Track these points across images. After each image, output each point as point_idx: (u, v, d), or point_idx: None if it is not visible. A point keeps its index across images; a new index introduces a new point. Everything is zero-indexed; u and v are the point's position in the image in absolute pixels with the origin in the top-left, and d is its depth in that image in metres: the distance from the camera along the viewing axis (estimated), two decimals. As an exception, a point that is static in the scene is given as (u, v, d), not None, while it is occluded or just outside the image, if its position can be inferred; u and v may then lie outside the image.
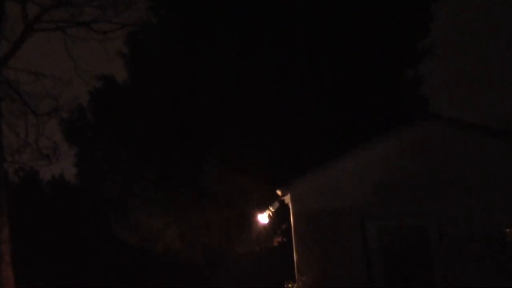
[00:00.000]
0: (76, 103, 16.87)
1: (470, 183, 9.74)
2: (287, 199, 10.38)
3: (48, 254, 21.17)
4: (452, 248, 9.59)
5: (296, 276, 9.71)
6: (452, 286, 9.42)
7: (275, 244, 15.06)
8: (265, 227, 13.13)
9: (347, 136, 14.04)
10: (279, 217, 12.57)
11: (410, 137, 10.11)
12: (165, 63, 16.89)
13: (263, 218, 11.99)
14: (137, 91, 17.30)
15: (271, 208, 11.37)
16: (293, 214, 10.09)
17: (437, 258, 9.61)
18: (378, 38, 16.02)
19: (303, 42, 15.78)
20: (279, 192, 10.37)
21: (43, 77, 13.59)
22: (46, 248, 21.30)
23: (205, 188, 15.67)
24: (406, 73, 17.12)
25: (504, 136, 9.97)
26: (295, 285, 9.55)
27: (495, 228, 9.43)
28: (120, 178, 16.90)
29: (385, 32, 16.04)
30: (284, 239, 14.05)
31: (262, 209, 12.03)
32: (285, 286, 9.63)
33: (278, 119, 15.00)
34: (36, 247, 20.65)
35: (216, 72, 15.92)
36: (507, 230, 9.21)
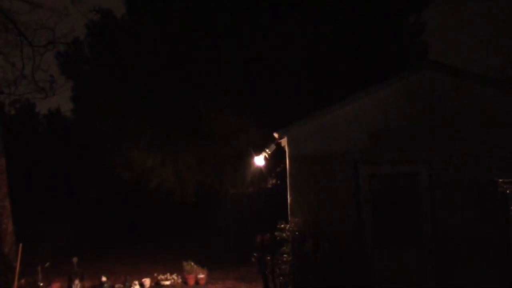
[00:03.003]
0: (73, 36, 16.60)
1: (464, 132, 9.81)
2: (284, 142, 10.38)
3: (42, 187, 21.40)
4: (441, 196, 9.74)
5: (289, 217, 9.88)
6: (439, 233, 9.64)
7: (269, 186, 15.21)
8: (260, 168, 13.20)
9: (346, 81, 13.99)
10: (274, 160, 12.64)
11: (407, 84, 10.06)
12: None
13: (259, 160, 12.04)
14: (135, 26, 16.99)
15: (267, 151, 11.40)
16: (288, 157, 10.11)
17: (425, 206, 9.76)
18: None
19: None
20: (276, 135, 10.35)
21: (39, 7, 13.29)
22: (40, 181, 21.50)
23: (200, 127, 15.70)
24: (409, 19, 16.91)
25: (500, 86, 9.96)
26: (287, 226, 9.71)
27: (486, 177, 9.56)
28: (115, 113, 16.87)
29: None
30: (278, 182, 14.19)
31: (258, 151, 12.08)
32: (278, 226, 9.81)
33: (277, 61, 14.86)
34: (31, 179, 20.82)
35: (215, 8, 15.62)
36: (499, 180, 9.33)
